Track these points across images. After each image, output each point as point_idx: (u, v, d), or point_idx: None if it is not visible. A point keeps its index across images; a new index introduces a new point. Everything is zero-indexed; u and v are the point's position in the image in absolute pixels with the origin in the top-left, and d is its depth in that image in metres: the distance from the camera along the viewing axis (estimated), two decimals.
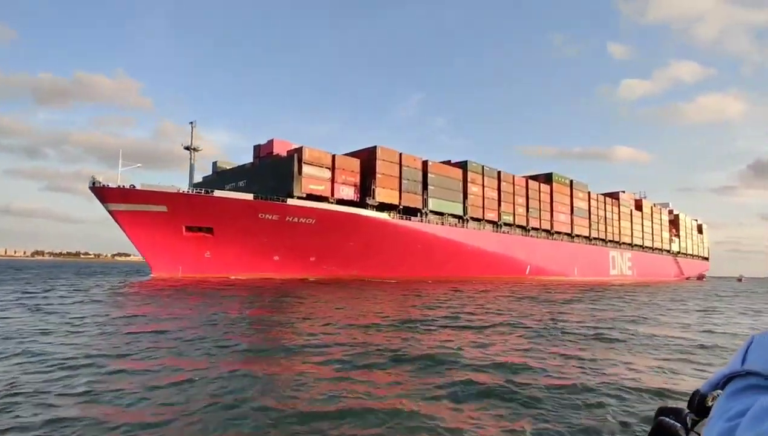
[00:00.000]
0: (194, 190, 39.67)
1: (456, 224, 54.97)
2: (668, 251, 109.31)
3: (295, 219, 41.55)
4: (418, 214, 50.38)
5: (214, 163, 53.52)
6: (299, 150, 41.78)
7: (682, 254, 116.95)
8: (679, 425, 1.76)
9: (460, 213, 55.56)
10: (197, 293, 25.20)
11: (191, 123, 44.00)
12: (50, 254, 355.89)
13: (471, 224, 57.25)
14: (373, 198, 45.49)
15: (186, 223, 39.78)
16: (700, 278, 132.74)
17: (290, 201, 40.17)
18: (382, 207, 47.13)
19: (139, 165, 40.90)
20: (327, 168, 43.46)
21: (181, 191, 37.74)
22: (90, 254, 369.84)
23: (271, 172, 43.31)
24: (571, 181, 77.99)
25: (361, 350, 9.98)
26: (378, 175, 46.12)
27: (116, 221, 38.38)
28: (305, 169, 41.40)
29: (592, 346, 11.39)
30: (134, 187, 36.96)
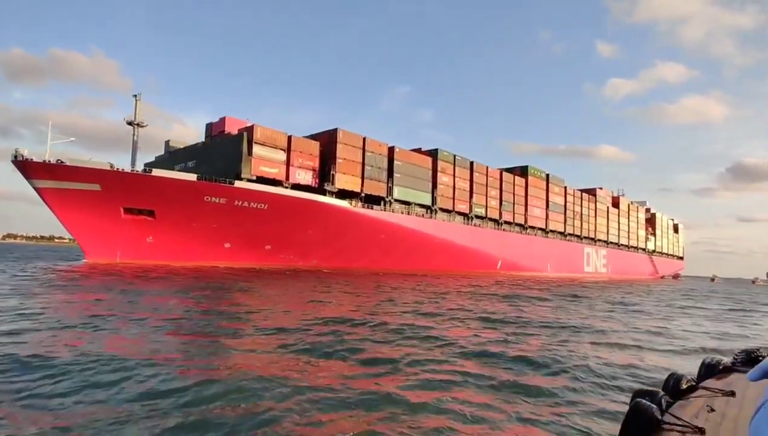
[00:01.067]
0: (133, 169, 36.42)
1: (423, 215, 52.53)
2: (644, 250, 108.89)
3: (245, 203, 38.63)
4: (382, 202, 47.78)
5: (167, 143, 50.10)
6: (250, 128, 38.71)
7: (658, 252, 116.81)
8: (655, 406, 2.09)
9: (429, 203, 53.14)
10: (121, 280, 22.22)
11: (135, 96, 40.44)
12: (24, 237, 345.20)
13: (440, 215, 54.89)
14: (333, 184, 42.71)
15: (124, 204, 36.59)
16: (676, 277, 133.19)
17: (238, 183, 37.19)
18: (343, 194, 44.41)
19: (72, 139, 37.09)
20: (282, 150, 40.51)
21: (115, 169, 34.47)
22: (65, 239, 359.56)
23: (221, 152, 40.21)
24: (548, 176, 76.21)
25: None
26: (338, 160, 43.34)
27: (43, 200, 34.97)
28: (256, 149, 38.39)
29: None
30: (62, 162, 33.58)
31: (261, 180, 38.92)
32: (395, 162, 49.03)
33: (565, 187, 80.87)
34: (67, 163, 33.59)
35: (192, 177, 36.25)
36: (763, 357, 3.25)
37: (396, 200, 49.20)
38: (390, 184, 48.29)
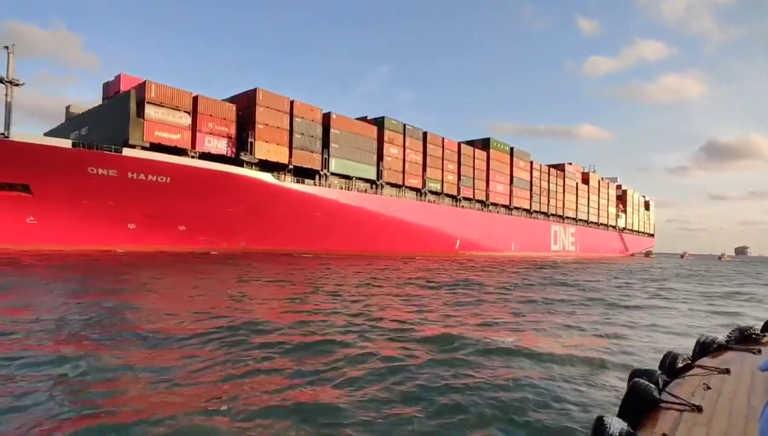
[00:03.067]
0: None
1: (367, 191, 47.04)
2: (614, 227, 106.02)
3: (141, 176, 32.51)
4: (317, 176, 42.04)
5: (67, 109, 43.10)
6: (142, 86, 32.23)
7: (628, 230, 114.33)
8: (652, 385, 2.26)
9: (373, 177, 47.61)
10: None
11: (6, 47, 33.42)
12: None
13: (387, 190, 49.48)
14: (251, 153, 36.71)
15: None
16: (648, 254, 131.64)
17: (127, 151, 30.96)
18: (267, 166, 38.53)
19: None
20: (185, 112, 34.21)
21: None
22: None
23: (110, 115, 33.77)
24: (512, 149, 71.38)
25: None
26: (258, 126, 37.25)
27: None
28: (149, 111, 32.04)
29: None
30: None
31: (158, 148, 32.72)
32: (332, 130, 43.14)
33: (531, 162, 76.33)
34: None
35: (66, 143, 29.89)
36: (756, 335, 4.33)
37: (333, 174, 43.49)
38: (326, 156, 42.48)
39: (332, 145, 42.99)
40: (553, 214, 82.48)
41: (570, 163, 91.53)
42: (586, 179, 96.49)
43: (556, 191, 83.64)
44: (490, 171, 65.75)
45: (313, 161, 41.42)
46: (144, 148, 32.15)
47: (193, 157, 34.46)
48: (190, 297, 13.89)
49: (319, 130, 42.06)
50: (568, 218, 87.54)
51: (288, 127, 39.50)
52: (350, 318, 10.65)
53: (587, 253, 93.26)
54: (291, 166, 39.64)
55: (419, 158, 53.62)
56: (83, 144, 30.24)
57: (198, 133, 34.82)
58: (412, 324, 10.21)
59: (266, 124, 37.77)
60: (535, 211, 77.27)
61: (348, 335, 8.76)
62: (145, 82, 32.04)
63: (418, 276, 23.84)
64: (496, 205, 67.63)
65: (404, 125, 51.72)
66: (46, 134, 43.07)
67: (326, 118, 43.20)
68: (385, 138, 48.88)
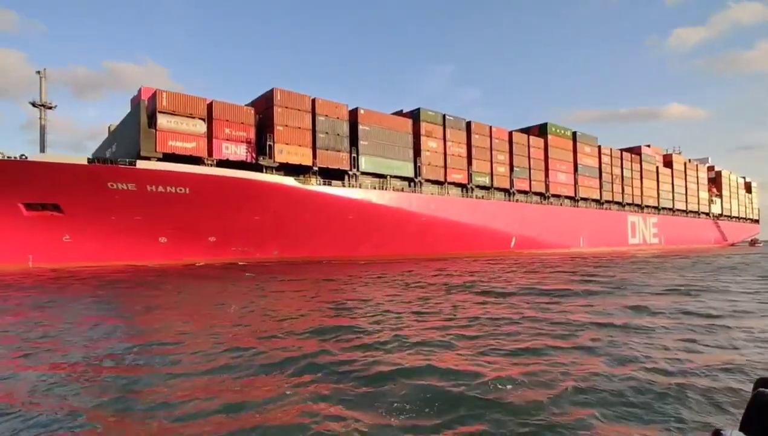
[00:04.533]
0: (22, 156, 30.42)
1: (403, 189, 43.61)
2: (707, 214, 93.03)
3: (160, 188, 31.81)
4: (346, 177, 39.41)
5: (109, 128, 44.30)
6: (153, 95, 31.49)
7: (725, 216, 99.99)
8: None
9: (410, 175, 44.08)
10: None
11: (38, 72, 34.53)
12: None
13: (427, 187, 45.70)
14: (270, 158, 34.87)
15: (21, 199, 30.88)
16: (753, 243, 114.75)
17: (142, 164, 30.28)
18: (290, 169, 36.58)
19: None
20: (200, 119, 33.08)
21: None
22: None
23: (128, 128, 33.54)
24: (575, 134, 64.24)
25: None
26: (277, 128, 35.33)
27: None
28: (161, 120, 31.17)
29: None
30: None
31: (173, 158, 31.81)
32: (360, 127, 40.30)
33: (599, 147, 68.38)
34: None
35: (82, 160, 29.76)
36: None
37: (364, 173, 40.62)
38: (354, 155, 39.73)
39: (361, 142, 40.14)
40: (629, 204, 73.51)
41: (648, 146, 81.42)
42: (668, 162, 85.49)
43: (632, 178, 74.50)
44: (549, 159, 59.40)
45: (341, 161, 38.83)
46: (160, 159, 31.41)
47: (210, 165, 33.26)
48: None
49: (345, 128, 39.40)
50: (648, 206, 77.77)
51: (310, 127, 37.23)
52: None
53: (674, 245, 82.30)
54: (316, 168, 37.33)
55: (463, 151, 49.18)
56: (98, 159, 29.97)
57: (215, 140, 33.57)
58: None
59: (286, 126, 35.76)
60: (607, 202, 69.12)
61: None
62: (155, 91, 31.25)
63: (475, 282, 20.06)
64: (558, 196, 61.04)
65: (443, 116, 47.64)
66: (92, 153, 44.72)
67: (353, 114, 40.45)
68: (422, 131, 45.15)
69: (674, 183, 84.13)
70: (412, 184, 44.33)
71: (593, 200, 67.03)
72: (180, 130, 32.04)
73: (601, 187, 67.52)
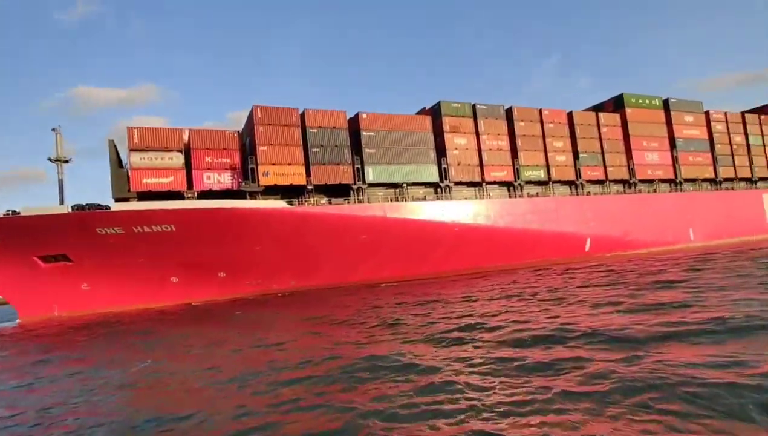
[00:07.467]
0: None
1: (426, 197, 37.55)
2: None
3: (146, 228, 30.69)
4: (351, 192, 34.88)
5: None
6: (130, 133, 30.50)
7: None
8: None
9: (435, 179, 37.90)
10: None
11: (54, 129, 36.26)
12: None
13: (459, 191, 38.97)
14: (254, 182, 31.87)
15: (35, 252, 32.13)
16: None
17: (116, 206, 29.31)
18: (284, 191, 33.30)
19: None
20: (177, 151, 31.39)
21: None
22: None
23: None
24: (666, 102, 51.67)
25: None
26: (260, 149, 32.28)
27: None
28: (134, 158, 30.02)
29: None
30: None
31: (150, 196, 30.44)
32: (363, 134, 35.57)
33: (707, 113, 54.25)
34: None
35: (64, 209, 29.71)
36: None
37: (373, 185, 35.65)
38: (358, 165, 35.06)
39: (366, 150, 35.35)
40: (762, 179, 57.00)
41: None
42: None
43: (764, 145, 57.87)
44: (631, 138, 48.01)
45: (341, 175, 34.43)
46: (142, 197, 30.28)
47: (190, 197, 31.31)
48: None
49: (344, 137, 35.01)
50: None
51: (300, 142, 33.59)
52: None
53: None
54: (311, 187, 33.45)
55: (504, 143, 41.41)
56: (78, 206, 29.65)
57: (195, 171, 31.64)
58: None
59: (270, 144, 32.59)
60: (727, 180, 54.19)
61: None
62: (127, 128, 30.29)
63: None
64: (649, 181, 49.02)
65: (474, 106, 40.63)
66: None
67: (354, 121, 35.95)
68: (445, 127, 38.77)
69: None
70: (437, 190, 38.05)
71: (706, 180, 52.93)
72: (155, 166, 30.65)
73: (715, 163, 53.14)
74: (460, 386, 8.44)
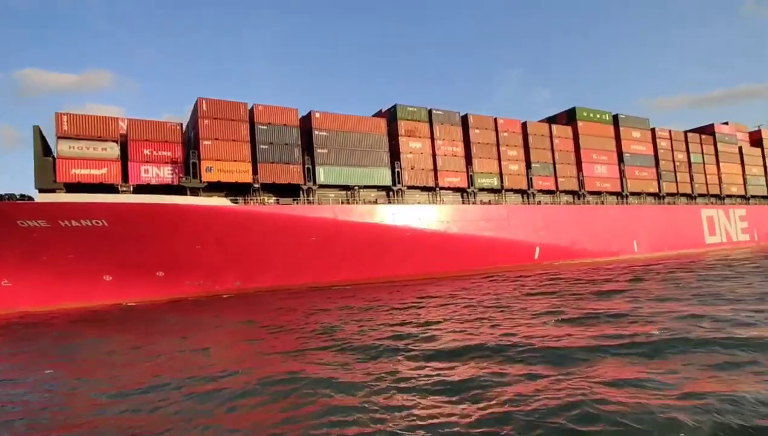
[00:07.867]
0: None
1: (377, 201, 36.99)
2: None
3: (74, 223, 28.43)
4: (301, 192, 33.80)
5: None
6: (59, 119, 28.23)
7: None
8: None
9: (387, 182, 37.39)
10: None
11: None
12: None
13: (410, 196, 38.63)
14: (195, 178, 30.28)
15: None
16: None
17: (40, 197, 27.04)
18: (230, 188, 31.84)
19: None
20: (113, 141, 29.41)
21: None
22: None
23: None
24: (615, 117, 53.46)
25: None
26: (204, 143, 30.78)
27: None
28: (62, 146, 27.86)
29: None
30: None
31: (80, 187, 28.29)
32: (315, 133, 34.64)
33: (653, 130, 56.57)
34: None
35: None
36: None
37: (324, 186, 34.72)
38: (309, 165, 34.06)
39: (317, 150, 34.41)
40: (702, 195, 59.98)
41: (725, 123, 66.94)
42: (756, 140, 69.83)
43: (704, 163, 60.93)
44: (582, 150, 49.33)
45: (290, 175, 33.32)
46: (71, 188, 28.05)
47: (126, 191, 29.35)
48: None
49: (295, 136, 33.95)
50: (730, 196, 63.22)
51: (248, 139, 32.27)
52: None
53: None
54: (257, 185, 32.14)
55: (459, 149, 41.47)
56: None
57: (131, 164, 29.69)
58: None
59: (215, 139, 31.12)
60: (669, 195, 56.64)
61: None
62: (56, 114, 28.04)
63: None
64: (597, 193, 50.49)
65: (429, 111, 40.51)
66: None
67: (306, 119, 34.99)
68: (400, 131, 38.40)
69: (766, 165, 68.16)
70: (389, 193, 37.55)
71: (649, 194, 55.10)
72: (86, 157, 28.52)
73: (659, 178, 55.44)
74: (375, 408, 7.84)
